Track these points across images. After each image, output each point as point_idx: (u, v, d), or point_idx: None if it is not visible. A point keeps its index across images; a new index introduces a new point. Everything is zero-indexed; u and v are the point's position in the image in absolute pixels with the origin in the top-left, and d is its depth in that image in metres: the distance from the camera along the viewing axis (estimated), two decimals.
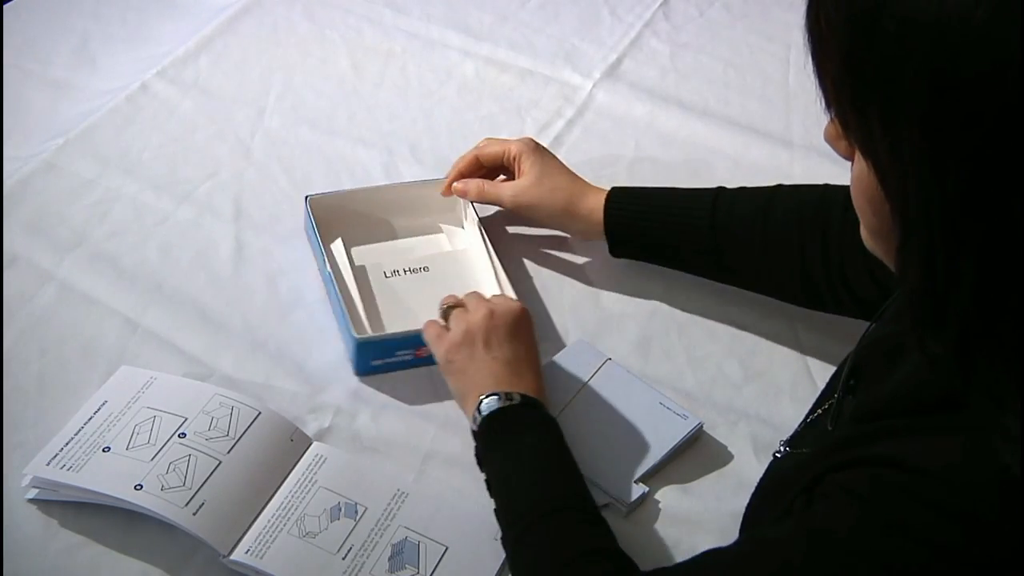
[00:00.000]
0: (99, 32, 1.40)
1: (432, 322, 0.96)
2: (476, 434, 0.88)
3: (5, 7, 1.39)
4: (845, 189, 0.95)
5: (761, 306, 1.09)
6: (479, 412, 0.87)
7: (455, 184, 1.09)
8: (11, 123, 1.24)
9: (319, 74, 1.36)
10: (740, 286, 1.05)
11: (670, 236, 1.04)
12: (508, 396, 0.87)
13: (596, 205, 1.05)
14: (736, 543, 0.74)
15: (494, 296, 0.98)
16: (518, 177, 1.08)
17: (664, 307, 1.09)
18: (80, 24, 1.40)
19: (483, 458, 0.88)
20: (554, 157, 1.09)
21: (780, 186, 1.02)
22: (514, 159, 1.08)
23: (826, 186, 0.99)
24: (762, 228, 0.98)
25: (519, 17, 1.48)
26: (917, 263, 0.57)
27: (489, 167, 1.11)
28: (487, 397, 0.88)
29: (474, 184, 1.08)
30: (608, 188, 1.07)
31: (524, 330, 0.94)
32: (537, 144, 1.09)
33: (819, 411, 0.83)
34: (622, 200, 1.05)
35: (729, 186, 1.05)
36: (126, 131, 1.25)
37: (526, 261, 1.13)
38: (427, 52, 1.41)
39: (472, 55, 1.41)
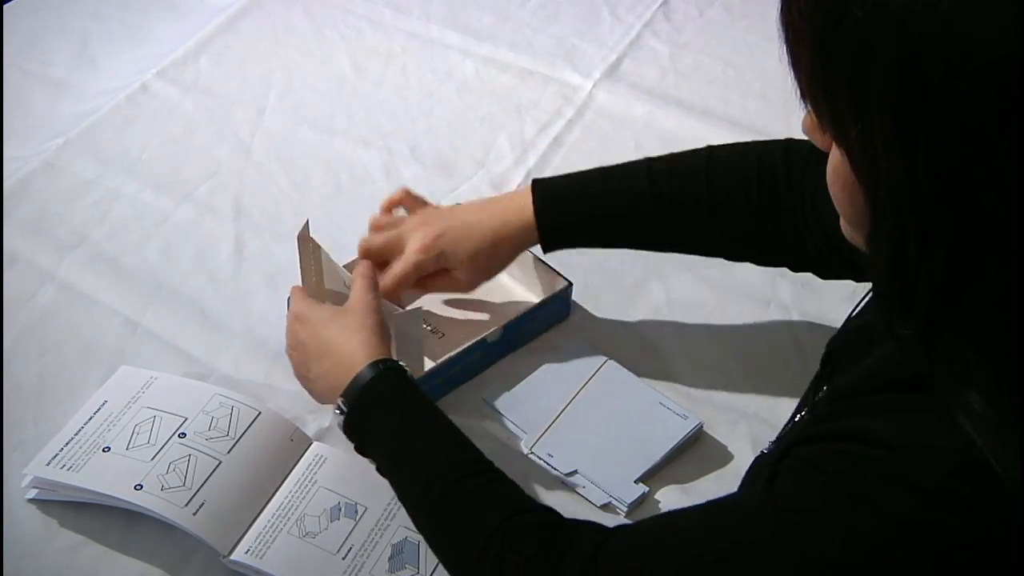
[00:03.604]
0: (99, 32, 1.40)
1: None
2: (346, 434, 0.86)
3: (5, 7, 1.39)
4: (783, 144, 0.95)
5: (761, 306, 1.09)
6: (339, 419, 0.86)
7: None
8: (11, 123, 1.24)
9: (319, 74, 1.36)
10: (685, 252, 1.01)
11: (611, 221, 0.98)
12: (339, 405, 0.84)
13: (525, 220, 0.97)
14: (699, 508, 0.72)
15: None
16: (452, 270, 0.99)
17: (664, 307, 1.09)
18: (80, 24, 1.41)
19: (365, 455, 0.86)
20: (446, 233, 0.97)
21: (711, 147, 0.98)
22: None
23: (758, 143, 0.97)
24: (706, 191, 0.95)
25: (519, 17, 1.48)
26: (888, 249, 0.58)
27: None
28: (336, 409, 0.85)
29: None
30: (516, 192, 1.00)
31: (308, 328, 0.89)
32: (426, 251, 0.97)
33: (803, 411, 0.83)
34: (550, 196, 0.98)
35: None
36: (126, 131, 1.25)
37: None
38: (427, 52, 1.41)
39: (472, 55, 1.41)
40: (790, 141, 0.96)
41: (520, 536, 0.75)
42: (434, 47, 1.42)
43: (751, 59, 1.43)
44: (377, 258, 0.99)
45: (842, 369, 0.75)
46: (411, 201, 1.03)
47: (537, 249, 1.00)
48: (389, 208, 1.03)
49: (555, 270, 1.04)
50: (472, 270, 0.98)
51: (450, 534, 0.79)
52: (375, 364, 0.84)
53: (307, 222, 0.96)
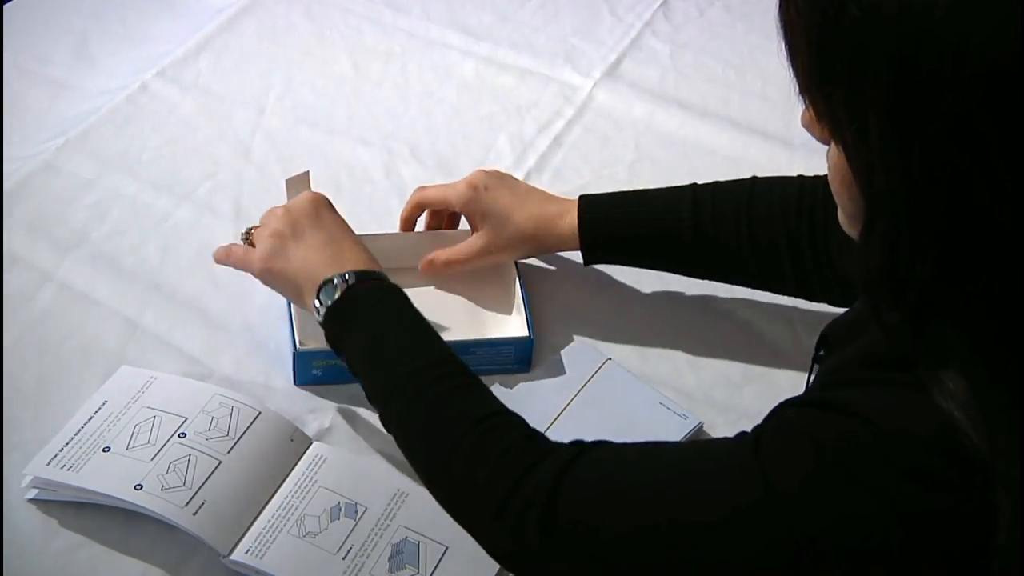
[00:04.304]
0: (99, 32, 1.40)
1: (232, 245, 0.95)
2: (325, 323, 0.86)
3: (5, 7, 1.39)
4: (823, 179, 0.96)
5: (761, 306, 1.09)
6: (319, 302, 0.86)
7: (422, 266, 1.05)
8: (11, 123, 1.24)
9: (319, 74, 1.36)
10: (725, 281, 1.05)
11: (651, 243, 1.02)
12: (342, 277, 0.85)
13: (566, 224, 1.01)
14: (682, 453, 0.72)
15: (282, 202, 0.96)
16: (475, 229, 1.03)
17: (664, 307, 1.09)
18: (80, 24, 1.40)
19: (338, 342, 0.86)
20: (501, 189, 1.03)
21: (756, 179, 1.01)
22: (461, 212, 1.04)
23: (802, 177, 0.99)
24: (748, 225, 0.98)
25: (519, 17, 1.48)
26: (882, 243, 0.59)
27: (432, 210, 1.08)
28: (323, 286, 0.86)
29: (441, 259, 1.04)
30: (568, 199, 1.03)
31: (326, 211, 0.92)
32: (477, 188, 1.02)
33: None
34: (595, 210, 1.01)
35: None
36: (126, 131, 1.25)
37: (525, 260, 1.13)
38: (427, 52, 1.41)
39: (472, 55, 1.41)
40: None
41: (501, 433, 0.76)
42: (434, 47, 1.42)
43: (751, 59, 1.43)
44: (428, 205, 1.06)
45: (835, 351, 0.76)
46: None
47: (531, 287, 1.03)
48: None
49: (529, 320, 1.00)
50: (493, 233, 1.02)
51: (426, 425, 0.79)
52: (379, 273, 0.88)
53: (307, 172, 0.99)
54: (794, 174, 1.00)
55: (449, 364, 0.82)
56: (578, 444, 0.75)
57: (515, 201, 1.02)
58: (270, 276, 0.92)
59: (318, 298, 0.86)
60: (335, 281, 0.86)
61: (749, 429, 0.97)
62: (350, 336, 0.85)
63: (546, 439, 0.77)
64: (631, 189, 1.05)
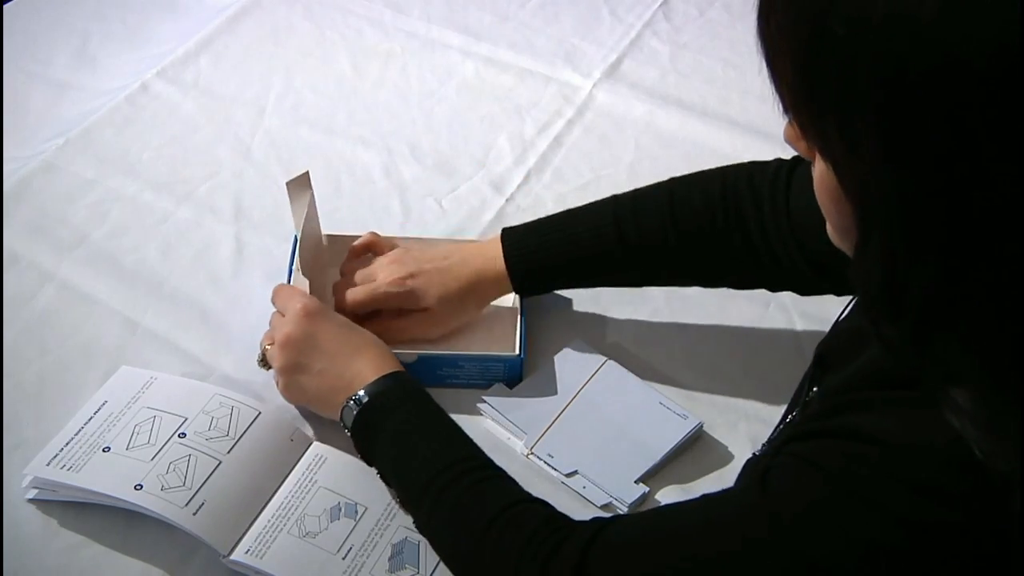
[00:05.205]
0: (99, 32, 1.40)
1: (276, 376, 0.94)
2: (354, 443, 0.89)
3: (5, 7, 1.39)
4: (748, 166, 0.95)
5: (761, 306, 1.09)
6: (343, 425, 0.89)
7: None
8: (11, 123, 1.24)
9: (319, 74, 1.36)
10: (661, 285, 1.04)
11: (579, 261, 0.99)
12: (356, 401, 0.87)
13: (493, 271, 0.99)
14: (695, 504, 0.74)
15: (278, 299, 0.95)
16: (418, 314, 1.00)
17: (664, 307, 1.09)
18: (80, 24, 1.41)
19: (367, 457, 0.89)
20: (430, 275, 0.99)
21: (674, 179, 0.99)
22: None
23: (723, 168, 0.98)
24: (672, 223, 0.96)
25: (519, 17, 1.48)
26: (879, 259, 0.58)
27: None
28: (341, 412, 0.88)
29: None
30: (487, 243, 1.00)
31: (320, 324, 0.91)
32: (403, 282, 0.98)
33: (794, 412, 0.83)
34: (520, 244, 0.99)
35: None
36: (126, 131, 1.25)
37: None
38: (427, 52, 1.41)
39: (472, 55, 1.41)
40: (754, 163, 0.96)
41: (522, 521, 0.78)
42: (434, 47, 1.42)
43: (751, 59, 1.41)
44: (356, 310, 0.99)
45: (833, 370, 0.76)
46: (379, 244, 1.04)
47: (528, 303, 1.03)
48: (357, 254, 1.04)
49: (522, 337, 1.00)
50: (440, 315, 0.99)
51: (452, 523, 0.81)
52: (393, 374, 0.88)
53: (307, 173, 1.00)
54: None
55: (467, 461, 0.84)
56: (596, 520, 0.77)
57: (435, 278, 0.99)
58: (300, 404, 0.95)
59: (342, 421, 0.89)
60: (349, 404, 0.87)
61: (749, 429, 0.98)
62: (375, 453, 0.88)
63: (566, 518, 0.79)
64: (555, 212, 1.01)
